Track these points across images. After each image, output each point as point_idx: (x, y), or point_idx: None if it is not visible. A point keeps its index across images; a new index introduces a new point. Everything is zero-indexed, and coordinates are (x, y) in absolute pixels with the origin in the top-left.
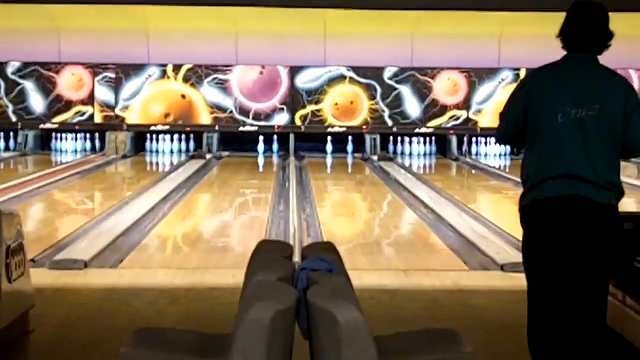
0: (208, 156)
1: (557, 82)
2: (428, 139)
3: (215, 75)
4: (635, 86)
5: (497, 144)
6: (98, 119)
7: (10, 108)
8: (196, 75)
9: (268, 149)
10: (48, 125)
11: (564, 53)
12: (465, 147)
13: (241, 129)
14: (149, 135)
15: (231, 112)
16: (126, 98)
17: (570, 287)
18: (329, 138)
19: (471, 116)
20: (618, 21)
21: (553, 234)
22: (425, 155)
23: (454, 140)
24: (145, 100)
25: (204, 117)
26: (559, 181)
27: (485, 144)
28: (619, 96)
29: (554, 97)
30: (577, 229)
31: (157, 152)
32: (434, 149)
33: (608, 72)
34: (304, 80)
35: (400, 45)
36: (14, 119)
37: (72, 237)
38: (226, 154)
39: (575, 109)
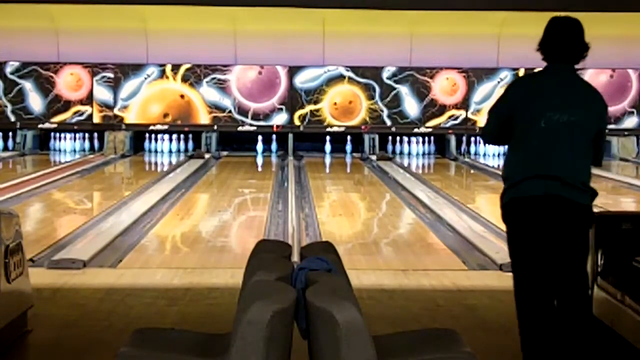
0: (206, 156)
1: (541, 89)
2: (427, 138)
3: (213, 75)
4: (635, 85)
5: (483, 143)
6: (96, 119)
7: (9, 108)
8: (195, 75)
9: (267, 148)
10: (46, 125)
11: None
12: (463, 147)
13: (240, 128)
14: (147, 135)
15: (230, 111)
16: (125, 98)
17: (552, 276)
18: (328, 137)
19: (470, 116)
20: (617, 21)
21: (532, 230)
22: (423, 154)
23: (453, 140)
24: (144, 100)
25: (203, 117)
26: (538, 181)
27: (484, 143)
28: (595, 108)
29: (537, 103)
30: (555, 227)
31: (156, 151)
32: (432, 148)
33: (587, 84)
34: (302, 80)
35: (398, 45)
36: (12, 118)
37: (70, 236)
38: (225, 153)
39: (557, 114)
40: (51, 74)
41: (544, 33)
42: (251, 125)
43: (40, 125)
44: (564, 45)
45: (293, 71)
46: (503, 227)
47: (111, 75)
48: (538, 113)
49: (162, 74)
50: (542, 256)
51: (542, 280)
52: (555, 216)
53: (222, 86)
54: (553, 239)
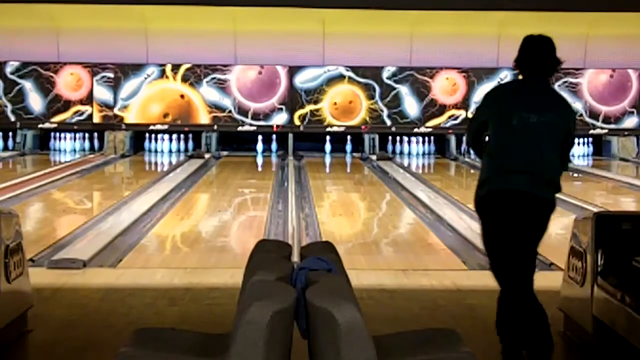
0: (207, 156)
1: (516, 93)
2: (427, 138)
3: (213, 75)
4: (635, 85)
5: (467, 147)
6: (97, 119)
7: (9, 107)
8: (195, 75)
9: (267, 148)
10: (47, 125)
11: (562, 54)
12: (463, 147)
13: (240, 128)
14: (147, 135)
15: (230, 111)
16: (125, 97)
17: (513, 255)
18: (328, 137)
19: (470, 116)
20: (618, 21)
21: (504, 220)
22: (423, 154)
23: (453, 140)
24: (144, 100)
25: (203, 117)
26: (510, 176)
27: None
28: (564, 113)
29: (512, 104)
30: (522, 219)
31: (156, 151)
32: (432, 148)
33: (557, 92)
34: (302, 80)
35: (398, 45)
36: (12, 118)
37: (70, 236)
38: (225, 153)
39: (529, 114)
40: (51, 74)
41: (519, 51)
42: (251, 125)
43: (40, 125)
44: (537, 62)
45: (293, 71)
46: None
47: (111, 75)
48: (511, 113)
49: (162, 74)
50: (510, 241)
51: (512, 259)
52: (525, 210)
53: (222, 86)
54: (518, 228)
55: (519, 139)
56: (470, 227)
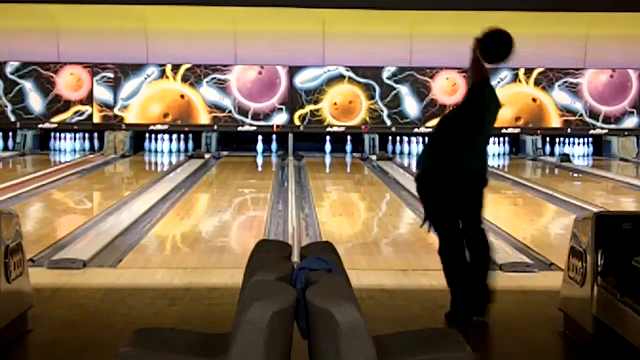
0: (206, 156)
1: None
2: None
3: (213, 75)
4: (635, 85)
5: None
6: (97, 119)
7: (9, 107)
8: (195, 75)
9: (267, 148)
10: (47, 125)
11: (562, 54)
12: None
13: (240, 128)
14: (147, 135)
15: (230, 111)
16: (125, 98)
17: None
18: (328, 137)
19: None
20: (618, 21)
21: (437, 189)
22: None
23: None
24: (144, 100)
25: (203, 117)
26: (431, 158)
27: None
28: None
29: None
30: (450, 187)
31: (156, 151)
32: None
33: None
34: (302, 80)
35: (398, 45)
36: (12, 118)
37: (70, 236)
38: (225, 153)
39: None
40: (51, 74)
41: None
42: (251, 125)
43: (40, 125)
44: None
45: (293, 71)
46: (502, 226)
47: (111, 75)
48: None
49: (162, 74)
50: (448, 208)
51: (452, 224)
52: (451, 182)
53: (222, 86)
54: (447, 197)
55: (436, 132)
56: None
